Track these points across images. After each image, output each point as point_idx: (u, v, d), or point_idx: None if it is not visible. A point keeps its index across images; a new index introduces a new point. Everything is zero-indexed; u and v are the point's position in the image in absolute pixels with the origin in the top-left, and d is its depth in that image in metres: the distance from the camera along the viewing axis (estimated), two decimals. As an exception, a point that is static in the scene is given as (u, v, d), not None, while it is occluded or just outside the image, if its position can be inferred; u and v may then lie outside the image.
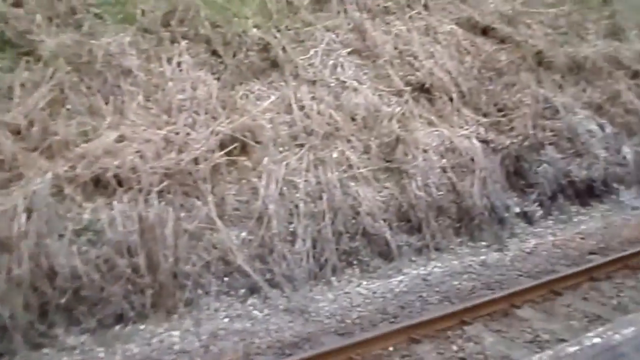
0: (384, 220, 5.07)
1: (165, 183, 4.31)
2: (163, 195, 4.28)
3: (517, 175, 6.23)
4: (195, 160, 4.54)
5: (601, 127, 6.94)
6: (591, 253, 5.28)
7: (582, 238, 5.70)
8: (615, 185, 6.62)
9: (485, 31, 7.46)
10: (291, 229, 4.66)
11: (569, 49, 7.73)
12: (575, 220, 6.16)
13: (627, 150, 6.89)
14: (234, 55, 5.53)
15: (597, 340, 2.53)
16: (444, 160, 5.65)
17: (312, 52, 5.97)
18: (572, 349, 2.50)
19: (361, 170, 5.26)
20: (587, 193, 6.44)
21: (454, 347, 3.59)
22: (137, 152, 4.34)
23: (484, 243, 5.49)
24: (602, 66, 7.82)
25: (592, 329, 3.18)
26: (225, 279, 4.30)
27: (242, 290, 4.32)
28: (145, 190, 4.20)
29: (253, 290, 4.34)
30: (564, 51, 7.61)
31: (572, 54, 7.64)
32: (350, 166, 5.25)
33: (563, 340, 3.31)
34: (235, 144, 4.88)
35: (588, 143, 6.67)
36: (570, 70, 7.56)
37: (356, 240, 4.90)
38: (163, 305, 3.99)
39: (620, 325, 2.72)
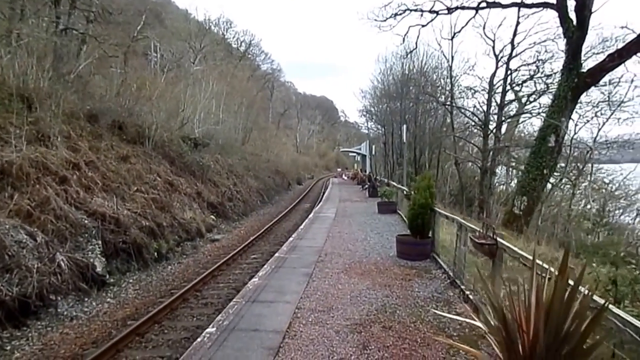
0: None
1: None
2: None
3: None
4: None
5: (32, 236, 6.49)
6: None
7: (18, 370, 4.90)
8: (52, 297, 6.19)
9: None
10: None
11: (-10, 152, 7.01)
12: (8, 348, 5.25)
13: (61, 258, 6.68)
14: None
15: None
16: None
17: None
18: None
19: None
20: (21, 312, 5.69)
21: None
22: None
23: None
24: (29, 172, 7.55)
25: None
26: None
27: None
28: None
29: None
30: (-16, 154, 6.81)
31: (-6, 158, 6.94)
32: None
33: None
34: None
35: (18, 255, 6.03)
36: (-7, 175, 6.82)
37: None
38: None
39: None
